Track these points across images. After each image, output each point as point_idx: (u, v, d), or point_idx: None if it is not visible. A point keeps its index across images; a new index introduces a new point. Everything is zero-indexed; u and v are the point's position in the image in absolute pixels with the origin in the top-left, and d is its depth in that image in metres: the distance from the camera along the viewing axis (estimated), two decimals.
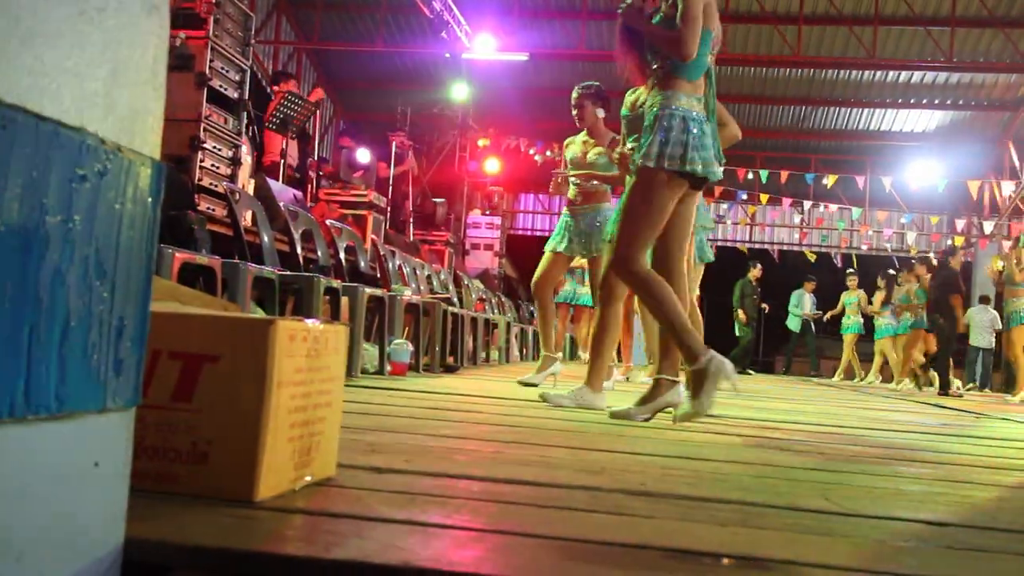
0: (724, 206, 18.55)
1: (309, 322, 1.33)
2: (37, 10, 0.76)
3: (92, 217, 0.84)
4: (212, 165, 5.66)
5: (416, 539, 1.06)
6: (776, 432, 3.10)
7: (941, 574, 1.11)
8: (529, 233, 19.71)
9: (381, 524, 1.13)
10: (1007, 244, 15.97)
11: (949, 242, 17.33)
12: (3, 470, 0.74)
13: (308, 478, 1.31)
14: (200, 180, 5.52)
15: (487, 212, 15.19)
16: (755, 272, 13.33)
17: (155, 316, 1.26)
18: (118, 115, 0.88)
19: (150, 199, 0.94)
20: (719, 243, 17.76)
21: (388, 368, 4.75)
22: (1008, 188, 14.48)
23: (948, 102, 17.08)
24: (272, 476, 1.20)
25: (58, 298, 0.79)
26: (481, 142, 15.22)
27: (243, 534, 1.04)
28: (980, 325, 12.96)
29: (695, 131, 3.01)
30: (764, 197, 16.23)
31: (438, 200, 13.78)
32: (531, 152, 16.11)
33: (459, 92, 14.20)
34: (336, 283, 4.51)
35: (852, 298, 13.15)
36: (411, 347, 5.09)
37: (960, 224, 16.38)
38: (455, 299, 7.87)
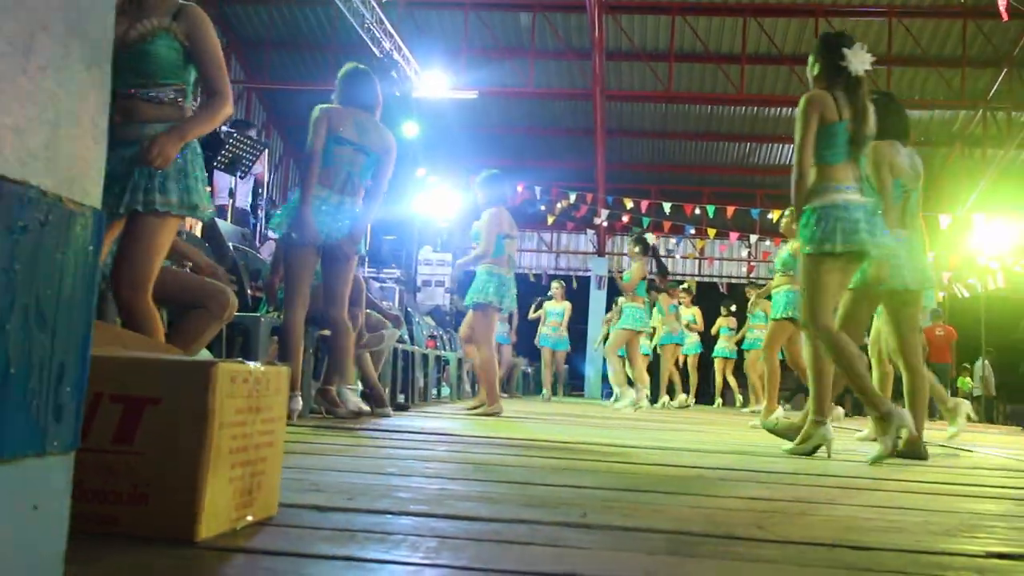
0: (673, 241, 18.85)
1: (251, 364, 1.35)
2: None
3: (33, 266, 0.87)
4: None
5: (353, 574, 1.09)
6: (720, 461, 3.17)
7: None
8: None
9: (320, 561, 1.15)
10: (946, 276, 16.44)
11: None
12: None
13: (250, 517, 1.33)
14: None
15: (437, 249, 15.23)
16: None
17: (97, 359, 1.28)
18: (59, 167, 0.92)
19: (91, 247, 0.97)
20: (679, 278, 18.04)
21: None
22: (945, 220, 14.91)
23: None
24: (213, 516, 1.23)
25: None
26: (419, 173, 15.31)
27: (183, 574, 1.07)
28: None
29: None
30: (712, 232, 16.52)
31: (387, 237, 13.80)
32: None
33: (409, 130, 14.29)
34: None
35: (724, 326, 13.03)
36: (360, 386, 5.09)
37: None
38: (406, 336, 7.87)
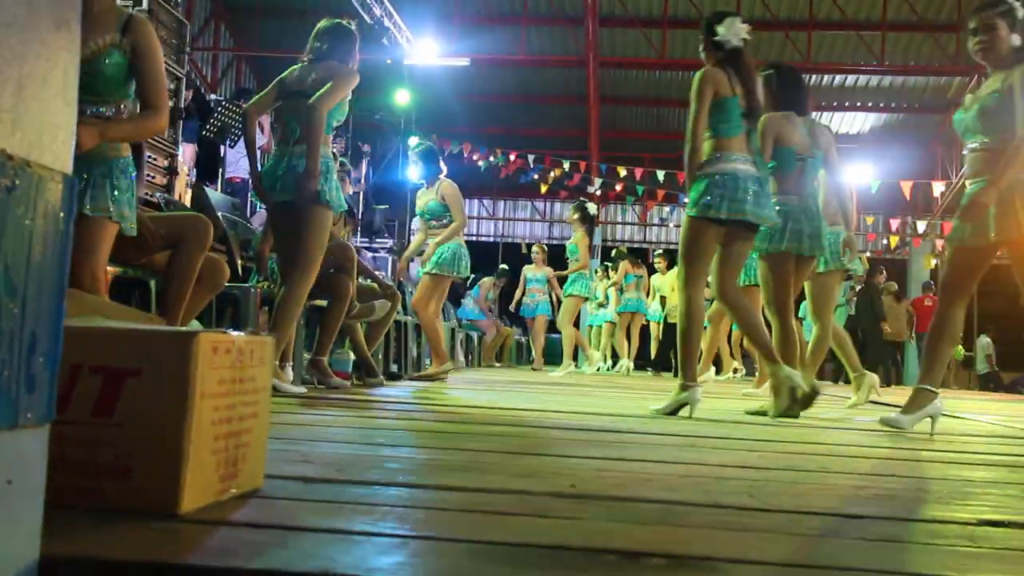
0: (667, 209, 18.80)
1: (233, 333, 1.33)
2: None
3: (0, 233, 0.84)
4: (147, 175, 5.58)
5: (339, 547, 1.08)
6: (710, 431, 3.16)
7: (849, 564, 1.16)
8: (474, 239, 19.72)
9: (305, 533, 1.13)
10: (939, 243, 16.45)
11: (884, 241, 17.79)
12: None
13: (234, 490, 1.31)
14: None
15: None
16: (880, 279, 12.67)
17: (76, 331, 1.25)
18: (26, 130, 0.88)
19: (62, 214, 0.94)
20: (664, 246, 18.02)
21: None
22: (939, 188, 14.88)
23: (881, 105, 17.54)
24: (196, 489, 1.21)
25: None
26: (411, 141, 15.20)
27: (165, 547, 1.05)
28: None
29: None
30: None
31: (380, 207, 13.72)
32: (475, 158, 16.15)
33: (401, 98, 14.17)
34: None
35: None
36: (352, 356, 5.07)
37: (895, 224, 16.79)
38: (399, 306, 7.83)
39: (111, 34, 2.80)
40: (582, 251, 8.80)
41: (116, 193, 2.85)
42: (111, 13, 2.85)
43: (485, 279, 12.32)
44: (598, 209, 19.30)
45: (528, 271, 11.49)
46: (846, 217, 4.63)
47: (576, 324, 9.79)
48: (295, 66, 4.16)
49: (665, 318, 11.20)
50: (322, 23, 4.16)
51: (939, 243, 16.44)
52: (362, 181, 11.95)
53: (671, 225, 19.25)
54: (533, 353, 11.53)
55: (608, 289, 11.93)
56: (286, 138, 3.98)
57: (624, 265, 11.70)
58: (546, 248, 11.88)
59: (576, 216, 8.86)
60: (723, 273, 3.85)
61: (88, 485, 1.19)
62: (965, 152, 3.44)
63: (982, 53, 3.37)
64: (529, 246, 12.74)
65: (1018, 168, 3.17)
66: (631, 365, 11.48)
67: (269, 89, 4.14)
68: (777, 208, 3.96)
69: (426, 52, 14.25)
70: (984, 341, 17.36)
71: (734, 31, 3.81)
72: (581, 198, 13.09)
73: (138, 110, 2.98)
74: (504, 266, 14.35)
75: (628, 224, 19.42)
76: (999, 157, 3.21)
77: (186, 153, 7.97)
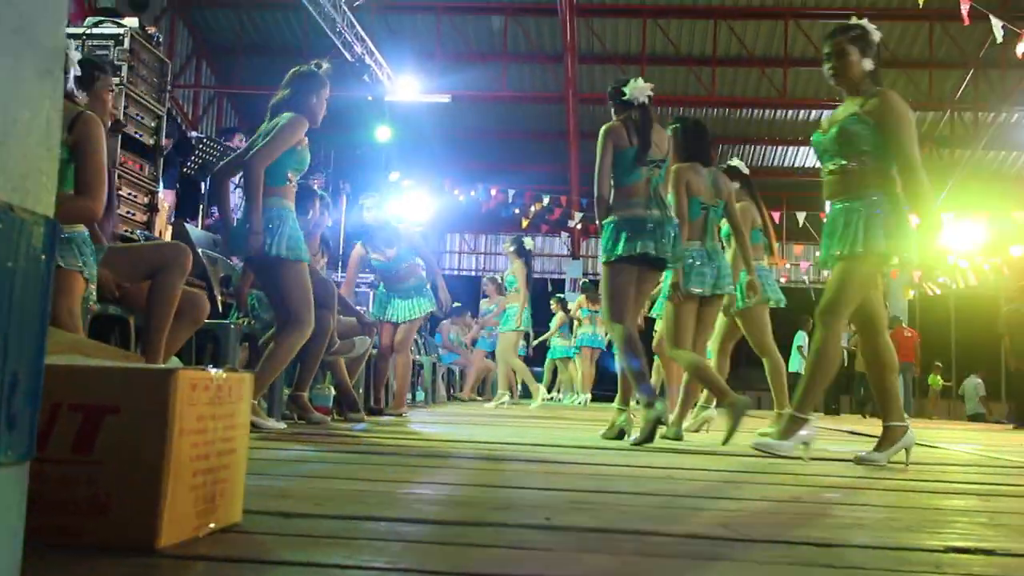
0: None
1: (212, 371, 1.35)
2: None
3: None
4: (127, 212, 5.60)
5: None
6: (686, 462, 3.18)
7: None
8: (455, 273, 19.77)
9: (282, 567, 1.15)
10: (916, 274, 16.59)
11: None
12: None
13: (212, 525, 1.33)
14: (115, 227, 5.45)
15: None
16: None
17: (55, 369, 1.27)
18: (9, 176, 0.91)
19: (43, 256, 0.96)
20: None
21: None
22: (914, 220, 15.04)
23: None
24: (174, 524, 1.22)
25: None
26: (392, 177, 15.25)
27: None
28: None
29: None
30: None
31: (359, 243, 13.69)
32: (455, 193, 16.24)
33: (382, 134, 14.25)
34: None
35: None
36: (332, 391, 5.07)
37: None
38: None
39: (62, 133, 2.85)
40: (520, 283, 8.84)
41: (83, 257, 2.99)
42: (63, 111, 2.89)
43: (443, 322, 12.29)
44: (578, 242, 19.46)
45: (483, 304, 11.60)
46: (747, 261, 4.79)
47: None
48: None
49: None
50: (288, 74, 4.17)
51: (915, 274, 16.62)
52: (343, 217, 11.96)
53: None
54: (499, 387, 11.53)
55: (552, 323, 12.15)
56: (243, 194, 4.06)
57: (580, 300, 11.86)
58: (498, 280, 11.78)
59: (512, 248, 8.94)
60: (635, 311, 4.25)
61: (66, 523, 1.20)
62: (823, 175, 3.57)
63: (835, 79, 3.52)
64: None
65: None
66: (588, 397, 11.64)
67: (242, 151, 4.16)
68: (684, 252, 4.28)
69: (407, 89, 14.37)
70: (975, 382, 17.49)
71: (639, 90, 4.16)
72: (563, 231, 13.24)
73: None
74: (457, 303, 14.30)
75: None
76: (855, 179, 3.39)
77: (167, 195, 7.98)
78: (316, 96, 4.04)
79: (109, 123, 3.23)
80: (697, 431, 5.07)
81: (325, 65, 4.20)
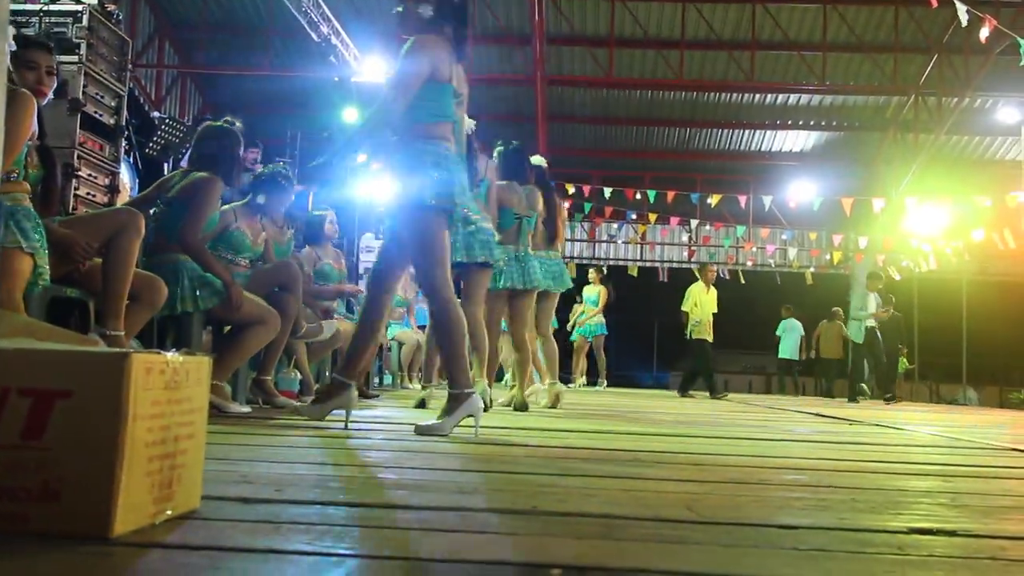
0: (615, 226, 18.97)
1: (168, 354, 1.32)
2: None
3: None
4: (87, 193, 5.49)
5: (274, 567, 1.07)
6: (653, 446, 3.19)
7: (779, 574, 1.18)
8: None
9: (239, 554, 1.13)
10: (881, 258, 16.82)
11: (828, 256, 18.14)
12: None
13: (169, 512, 1.30)
14: (75, 209, 5.34)
15: (379, 236, 15.08)
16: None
17: (3, 353, 1.24)
18: None
19: None
20: (611, 263, 18.16)
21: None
22: (879, 204, 15.22)
23: (822, 123, 17.92)
24: (129, 511, 1.19)
25: None
26: (359, 159, 15.10)
27: (94, 572, 1.03)
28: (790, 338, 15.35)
29: None
30: (653, 216, 16.67)
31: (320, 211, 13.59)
32: None
33: (349, 116, 14.11)
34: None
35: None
36: (299, 375, 5.03)
37: (837, 239, 17.12)
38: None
39: None
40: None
41: (21, 230, 2.86)
42: None
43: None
44: None
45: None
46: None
47: None
48: (177, 171, 4.33)
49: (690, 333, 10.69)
50: (201, 128, 4.34)
51: (879, 258, 16.84)
52: (309, 198, 11.81)
53: (619, 242, 19.43)
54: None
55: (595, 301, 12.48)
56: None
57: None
58: None
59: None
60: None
61: (15, 510, 1.17)
62: None
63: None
64: None
65: None
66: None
67: (149, 191, 4.20)
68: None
69: (374, 70, 14.22)
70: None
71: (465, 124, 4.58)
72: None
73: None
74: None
75: (577, 241, 19.53)
76: None
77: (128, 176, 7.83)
78: (237, 152, 4.25)
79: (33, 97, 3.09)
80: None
81: (238, 124, 4.35)
